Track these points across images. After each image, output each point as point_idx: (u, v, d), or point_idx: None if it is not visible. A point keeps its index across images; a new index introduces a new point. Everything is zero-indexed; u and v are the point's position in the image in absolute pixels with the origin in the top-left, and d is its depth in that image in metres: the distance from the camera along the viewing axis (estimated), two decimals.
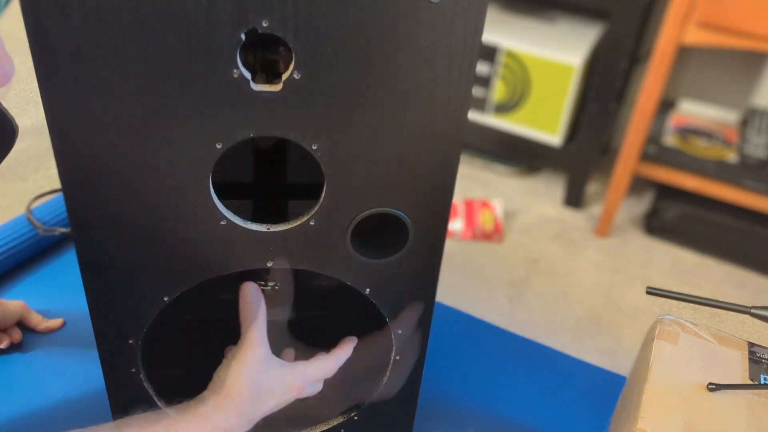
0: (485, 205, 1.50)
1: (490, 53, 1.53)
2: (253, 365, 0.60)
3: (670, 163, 1.45)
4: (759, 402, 0.68)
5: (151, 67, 0.49)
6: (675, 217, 1.53)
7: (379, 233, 0.65)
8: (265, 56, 0.58)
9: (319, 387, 0.67)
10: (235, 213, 0.59)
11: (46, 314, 0.97)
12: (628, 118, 1.54)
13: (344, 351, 0.67)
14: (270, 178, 0.80)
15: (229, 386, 0.59)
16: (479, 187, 1.64)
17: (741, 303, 0.67)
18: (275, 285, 0.84)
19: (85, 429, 0.54)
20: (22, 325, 0.95)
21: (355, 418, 0.76)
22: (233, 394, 0.59)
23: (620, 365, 1.10)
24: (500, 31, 1.55)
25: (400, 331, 0.70)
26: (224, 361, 0.63)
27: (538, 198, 1.63)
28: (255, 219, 0.60)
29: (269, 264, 0.62)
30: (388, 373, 0.74)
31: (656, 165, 1.47)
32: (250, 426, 0.60)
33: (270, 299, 0.74)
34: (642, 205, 1.65)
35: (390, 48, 0.51)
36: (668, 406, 0.67)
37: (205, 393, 0.60)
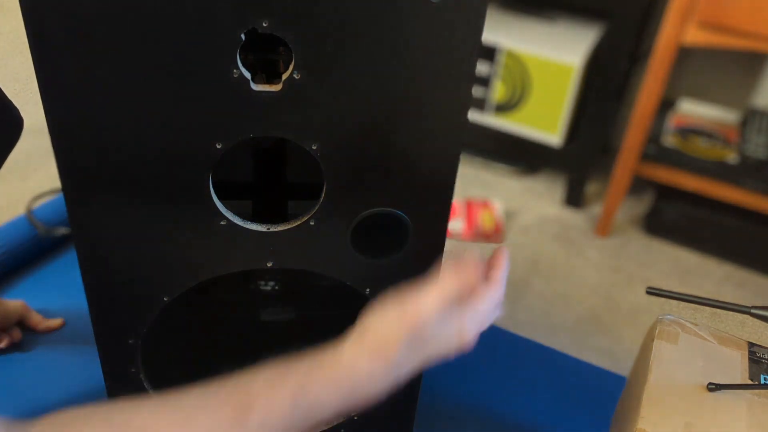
0: (485, 205, 1.50)
1: (490, 53, 1.53)
2: (428, 309, 0.51)
3: (670, 163, 1.45)
4: (759, 402, 0.68)
5: (150, 67, 0.49)
6: (675, 217, 1.52)
7: (379, 233, 0.65)
8: (265, 56, 0.58)
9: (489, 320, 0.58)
10: (235, 213, 0.59)
11: (46, 314, 0.97)
12: (628, 118, 1.53)
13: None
14: (270, 178, 0.80)
15: (384, 331, 0.50)
16: (479, 187, 1.64)
17: (741, 303, 0.67)
18: (275, 285, 0.84)
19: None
20: (22, 325, 0.95)
21: (355, 418, 0.76)
22: (390, 337, 0.50)
23: (620, 365, 1.09)
24: (500, 31, 1.55)
25: None
26: (373, 310, 0.52)
27: (538, 198, 1.63)
28: (255, 219, 0.60)
29: (269, 264, 0.62)
30: None
31: (656, 165, 1.47)
32: (394, 381, 0.51)
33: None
34: (642, 205, 1.65)
35: (390, 48, 0.51)
36: (668, 406, 0.67)
37: (345, 342, 0.51)
